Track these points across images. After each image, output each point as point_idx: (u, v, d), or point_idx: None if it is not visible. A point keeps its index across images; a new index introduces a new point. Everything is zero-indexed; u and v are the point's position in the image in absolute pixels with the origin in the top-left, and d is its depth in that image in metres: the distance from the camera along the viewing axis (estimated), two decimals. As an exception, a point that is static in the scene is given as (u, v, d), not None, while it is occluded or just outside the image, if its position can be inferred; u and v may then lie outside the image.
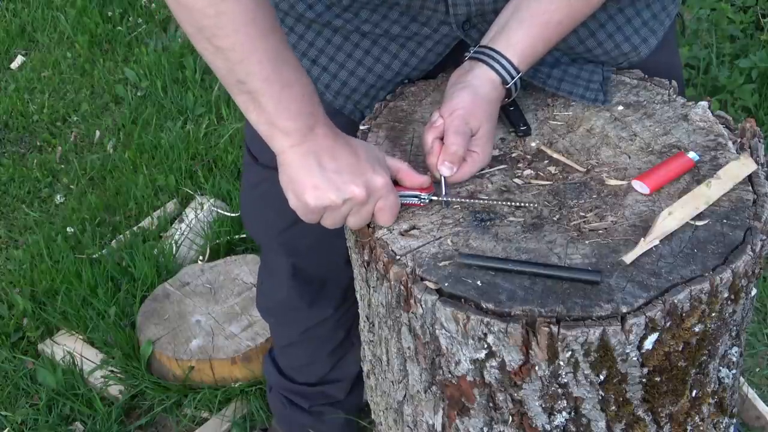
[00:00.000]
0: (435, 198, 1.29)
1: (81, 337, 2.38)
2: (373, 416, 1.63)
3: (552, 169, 1.33)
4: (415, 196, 1.29)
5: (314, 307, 1.83)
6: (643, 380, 1.18)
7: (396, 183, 1.29)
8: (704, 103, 1.40)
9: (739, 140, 1.34)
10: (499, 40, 1.35)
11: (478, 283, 1.15)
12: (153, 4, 3.92)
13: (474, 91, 1.33)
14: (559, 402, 1.19)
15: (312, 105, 1.23)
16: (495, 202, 1.28)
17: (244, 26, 1.16)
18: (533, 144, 1.38)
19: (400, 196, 1.28)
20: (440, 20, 1.42)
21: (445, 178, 1.30)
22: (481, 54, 1.36)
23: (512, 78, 1.34)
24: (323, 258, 1.72)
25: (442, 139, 1.32)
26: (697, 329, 1.16)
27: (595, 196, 1.28)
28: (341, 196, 1.22)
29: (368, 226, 1.26)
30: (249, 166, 1.72)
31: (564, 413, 1.20)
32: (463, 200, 1.29)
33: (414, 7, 1.41)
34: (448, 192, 1.30)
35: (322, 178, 1.22)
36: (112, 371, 2.28)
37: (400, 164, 1.30)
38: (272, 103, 1.20)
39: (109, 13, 3.90)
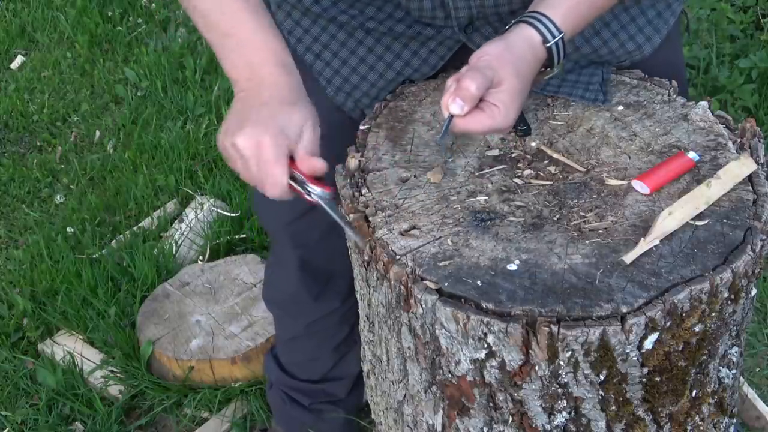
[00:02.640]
0: (325, 199, 1.22)
1: (81, 337, 2.37)
2: (373, 416, 1.63)
3: (552, 169, 1.33)
4: (306, 188, 1.22)
5: (320, 300, 1.83)
6: (643, 380, 1.18)
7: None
8: (704, 103, 1.40)
9: (739, 140, 1.34)
10: (541, 3, 1.27)
11: (478, 283, 1.15)
12: (153, 4, 3.91)
13: (507, 43, 1.24)
14: (559, 402, 1.19)
15: (252, 55, 1.27)
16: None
17: None
18: (533, 144, 1.38)
19: (294, 179, 1.23)
20: (443, 22, 1.42)
21: (450, 119, 1.21)
22: (522, 17, 1.28)
23: (553, 37, 1.24)
24: (330, 251, 1.71)
25: None
26: (697, 329, 1.16)
27: (595, 196, 1.27)
28: (223, 143, 1.26)
29: (368, 225, 1.26)
30: None
31: (564, 413, 1.20)
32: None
33: (413, 14, 1.41)
34: (445, 135, 1.21)
35: (226, 124, 1.26)
36: (112, 371, 2.28)
37: (308, 147, 1.23)
38: (219, 51, 1.30)
39: (109, 13, 3.90)
